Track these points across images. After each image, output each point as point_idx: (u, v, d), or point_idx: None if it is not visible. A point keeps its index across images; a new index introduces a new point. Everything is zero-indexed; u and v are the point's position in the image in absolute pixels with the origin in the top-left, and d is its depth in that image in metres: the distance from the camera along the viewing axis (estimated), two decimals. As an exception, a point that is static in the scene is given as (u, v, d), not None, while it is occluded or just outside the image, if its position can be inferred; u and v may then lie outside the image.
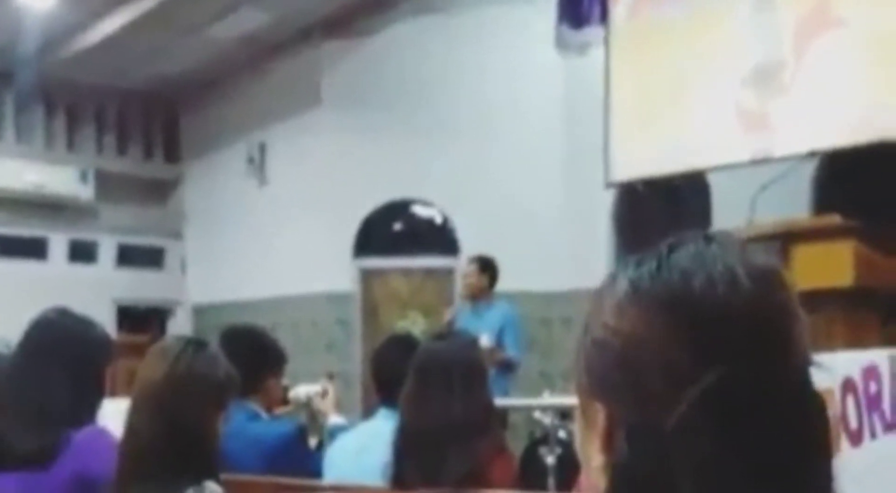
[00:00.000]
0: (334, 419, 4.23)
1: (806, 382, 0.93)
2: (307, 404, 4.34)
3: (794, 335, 0.93)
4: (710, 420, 0.88)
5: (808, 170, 7.69)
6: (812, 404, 0.92)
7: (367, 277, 10.71)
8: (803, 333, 0.94)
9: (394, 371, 3.43)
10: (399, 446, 3.16)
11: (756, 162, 7.11)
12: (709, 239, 0.96)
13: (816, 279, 4.59)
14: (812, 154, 7.15)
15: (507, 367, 7.52)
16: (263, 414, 3.80)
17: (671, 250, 0.96)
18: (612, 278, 0.98)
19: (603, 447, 0.95)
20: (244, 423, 3.53)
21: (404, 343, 3.80)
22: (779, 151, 7.04)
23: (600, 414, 0.96)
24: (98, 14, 9.80)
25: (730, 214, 7.15)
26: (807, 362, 0.93)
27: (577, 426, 1.03)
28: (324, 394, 4.33)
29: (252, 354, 3.68)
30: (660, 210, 8.65)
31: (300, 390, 4.34)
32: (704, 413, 0.88)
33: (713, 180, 8.32)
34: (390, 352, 3.75)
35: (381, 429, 3.42)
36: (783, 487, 0.89)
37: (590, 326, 0.98)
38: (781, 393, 0.90)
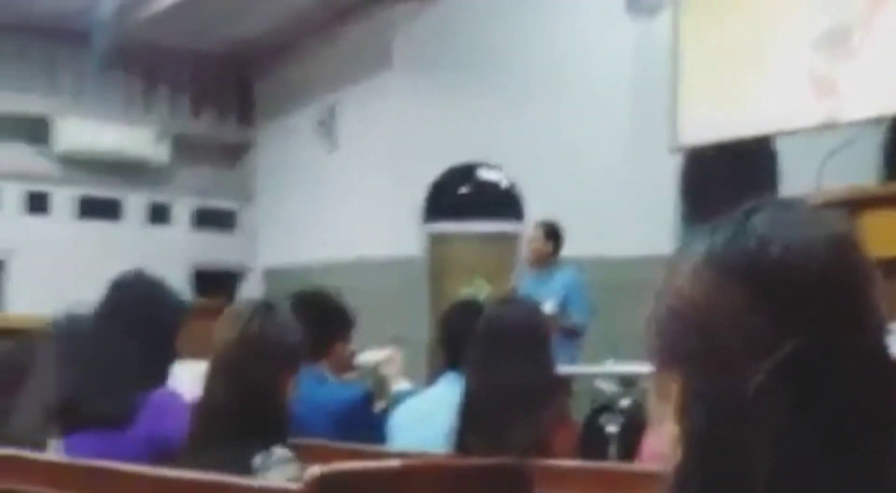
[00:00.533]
0: (400, 385, 4.22)
1: (882, 349, 0.92)
2: (374, 370, 4.36)
3: (870, 302, 0.92)
4: (787, 389, 0.88)
5: (877, 137, 7.61)
6: (888, 372, 0.91)
7: (433, 241, 10.72)
8: (880, 298, 0.93)
9: (460, 336, 3.44)
10: (464, 412, 3.16)
11: (824, 127, 7.05)
12: (785, 205, 0.96)
13: (884, 247, 4.58)
14: (880, 119, 7.07)
15: (573, 333, 7.43)
16: (331, 378, 3.77)
17: (747, 216, 0.95)
18: (687, 246, 0.98)
19: (677, 414, 0.95)
20: (312, 387, 3.39)
21: (471, 308, 3.80)
22: (847, 117, 6.96)
23: (674, 383, 0.95)
24: (175, -23, 9.94)
25: (797, 180, 7.09)
26: (882, 329, 0.93)
27: (650, 397, 1.02)
28: (391, 360, 4.36)
29: (321, 318, 3.64)
30: (726, 175, 8.60)
31: (367, 356, 4.33)
32: (782, 382, 0.88)
33: (781, 146, 8.25)
34: (457, 317, 3.76)
35: (445, 394, 3.42)
36: (860, 456, 0.89)
37: (664, 293, 0.97)
38: (858, 361, 0.90)
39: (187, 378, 2.90)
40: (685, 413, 0.94)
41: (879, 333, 0.93)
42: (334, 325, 3.87)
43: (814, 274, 0.90)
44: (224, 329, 2.64)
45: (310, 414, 3.29)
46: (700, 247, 0.95)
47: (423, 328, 9.23)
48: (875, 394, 0.90)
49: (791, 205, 0.97)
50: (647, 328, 0.99)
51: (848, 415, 0.89)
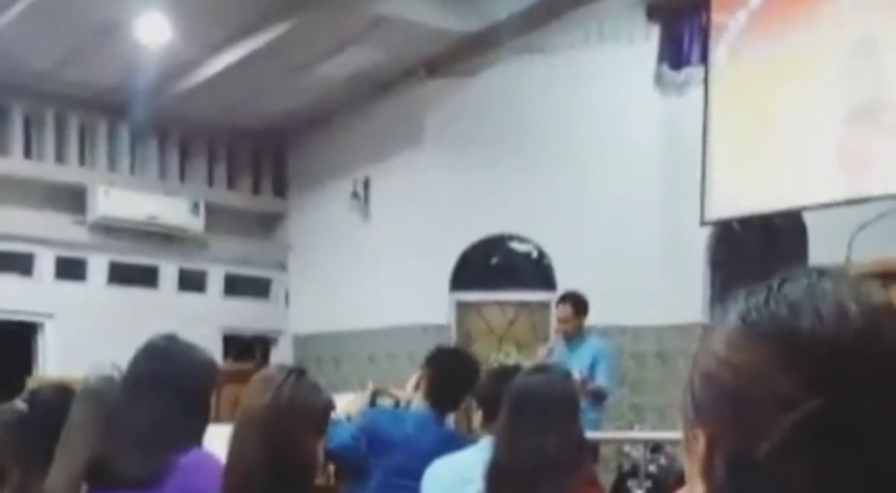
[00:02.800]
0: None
1: None
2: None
3: None
4: (807, 449, 0.88)
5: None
6: None
7: (463, 309, 10.83)
8: None
9: (497, 401, 3.43)
10: (491, 480, 3.16)
11: (854, 201, 7.04)
12: (821, 273, 0.96)
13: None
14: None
15: (598, 397, 7.54)
16: None
17: (782, 283, 0.96)
18: (724, 312, 0.99)
19: (703, 473, 0.96)
20: None
21: (508, 374, 3.80)
22: (877, 191, 6.98)
23: (701, 442, 0.96)
24: (211, 51, 10.04)
25: (827, 253, 7.07)
26: None
27: (684, 457, 1.03)
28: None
29: None
30: (756, 249, 8.62)
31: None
32: (802, 441, 0.88)
33: (810, 220, 8.24)
34: (494, 382, 3.79)
35: (479, 458, 3.39)
36: None
37: (699, 358, 0.99)
38: (888, 428, 0.89)
39: (219, 440, 2.91)
40: (710, 472, 0.95)
41: None
42: None
43: (844, 341, 0.90)
44: (254, 394, 2.67)
45: None
46: (734, 312, 0.97)
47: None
48: None
49: (827, 273, 0.96)
50: (683, 392, 1.01)
51: (873, 481, 0.89)
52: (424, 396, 4.29)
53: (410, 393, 4.39)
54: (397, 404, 6.00)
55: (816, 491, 0.89)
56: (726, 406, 0.94)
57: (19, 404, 3.50)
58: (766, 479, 0.90)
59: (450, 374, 4.34)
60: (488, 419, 3.71)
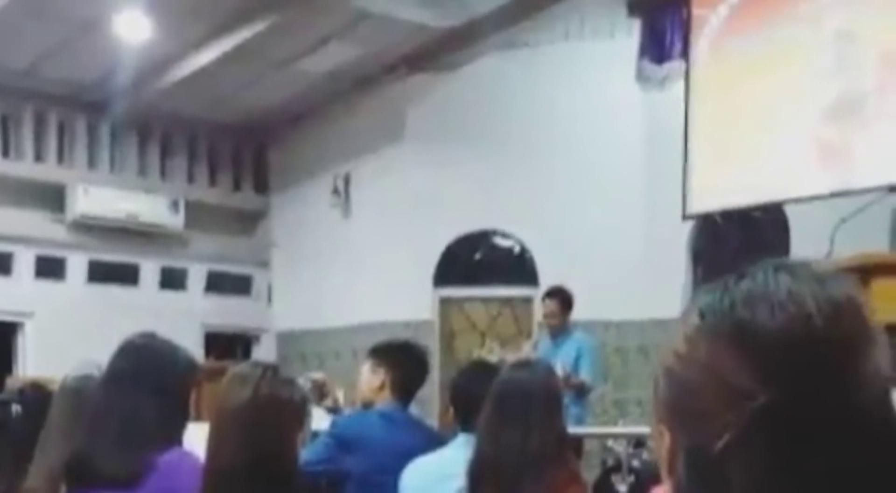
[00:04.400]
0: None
1: (880, 410, 0.91)
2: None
3: (862, 364, 0.91)
4: (761, 443, 0.89)
5: (889, 204, 7.63)
6: (883, 433, 0.91)
7: (446, 305, 10.84)
8: (878, 362, 0.92)
9: (473, 397, 3.45)
10: (474, 474, 3.17)
11: (835, 195, 7.06)
12: (778, 268, 0.96)
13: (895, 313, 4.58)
14: (893, 188, 7.10)
15: (581, 391, 7.58)
16: None
17: (739, 278, 0.96)
18: (690, 306, 0.99)
19: (667, 470, 0.98)
20: None
21: (483, 370, 3.82)
22: (859, 184, 6.98)
23: (665, 437, 0.98)
24: (191, 47, 10.01)
25: (808, 247, 7.09)
26: (883, 391, 0.92)
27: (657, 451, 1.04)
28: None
29: None
30: (737, 242, 8.65)
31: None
32: (756, 436, 0.89)
33: (792, 213, 8.28)
34: (471, 378, 3.77)
35: (458, 456, 3.41)
36: None
37: (662, 355, 1.00)
38: (843, 420, 0.89)
39: (199, 438, 2.90)
40: (673, 467, 0.97)
41: (877, 393, 0.92)
42: None
43: (798, 335, 0.90)
44: (231, 391, 2.67)
45: None
46: (695, 309, 0.97)
47: (433, 390, 9.27)
48: (864, 455, 0.89)
49: (786, 267, 0.96)
50: (653, 387, 1.01)
51: (828, 474, 0.89)
52: (393, 394, 4.27)
53: (371, 394, 4.37)
54: (335, 409, 6.07)
55: (772, 485, 0.89)
56: (684, 402, 0.95)
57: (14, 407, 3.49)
58: (723, 474, 0.90)
59: (413, 369, 4.35)
60: (460, 417, 3.70)
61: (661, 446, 0.99)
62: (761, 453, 0.89)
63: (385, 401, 4.29)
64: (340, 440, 4.17)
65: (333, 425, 4.35)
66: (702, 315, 0.96)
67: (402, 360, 4.35)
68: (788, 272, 0.95)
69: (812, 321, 0.90)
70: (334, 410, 6.02)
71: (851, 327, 0.92)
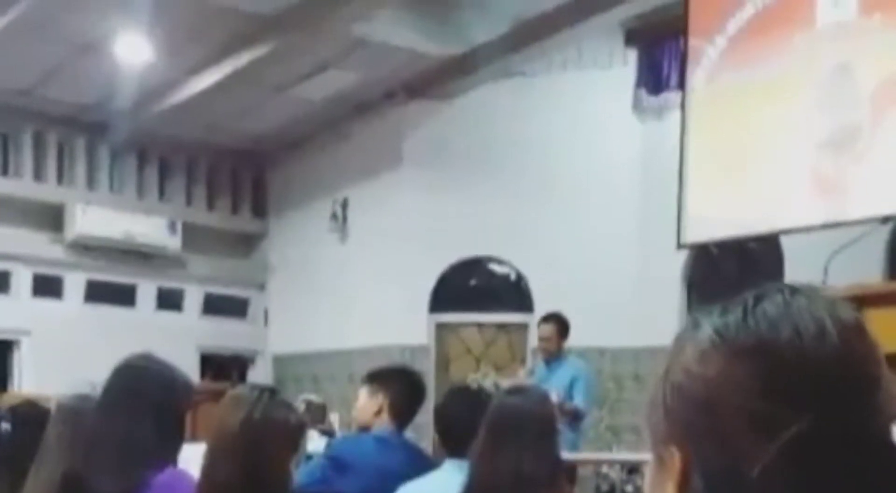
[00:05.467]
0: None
1: (890, 436, 0.92)
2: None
3: (881, 388, 0.91)
4: (795, 470, 0.88)
5: (883, 235, 7.66)
6: (892, 459, 0.91)
7: (441, 331, 10.86)
8: (890, 386, 0.92)
9: (460, 423, 3.48)
10: (468, 498, 3.17)
11: (829, 226, 7.06)
12: (794, 291, 0.95)
13: (889, 343, 4.59)
14: (886, 219, 7.13)
15: (575, 417, 7.58)
16: None
17: (757, 299, 0.95)
18: (695, 325, 0.97)
19: (677, 490, 0.95)
20: None
21: (470, 395, 3.86)
22: (852, 215, 7.00)
23: (676, 458, 0.95)
24: (191, 71, 10.05)
25: (802, 277, 7.05)
26: (892, 417, 0.92)
27: (648, 473, 1.02)
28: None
29: None
30: (732, 272, 8.67)
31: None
32: (790, 462, 0.88)
33: (786, 244, 8.30)
34: (456, 404, 3.78)
35: (449, 481, 3.41)
36: None
37: (670, 370, 0.97)
38: (867, 447, 0.89)
39: (195, 459, 2.91)
40: (686, 489, 0.95)
41: (889, 418, 0.92)
42: None
43: (824, 358, 0.90)
44: (226, 412, 2.70)
45: None
46: (708, 327, 0.95)
47: (427, 415, 9.29)
48: (883, 480, 0.90)
49: (800, 290, 0.95)
50: (649, 404, 1.00)
51: None
52: (389, 418, 4.29)
53: (368, 419, 4.38)
54: (330, 432, 6.15)
55: None
56: (704, 422, 0.93)
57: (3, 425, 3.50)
58: None
59: (410, 394, 4.37)
60: (447, 443, 3.72)
61: (666, 466, 0.97)
62: (793, 480, 0.89)
63: (382, 425, 4.31)
64: (335, 462, 4.18)
65: (329, 446, 4.37)
66: (721, 335, 0.94)
67: (399, 385, 4.36)
68: (804, 295, 0.95)
69: (835, 346, 0.91)
70: (329, 432, 6.03)
71: (869, 353, 0.93)
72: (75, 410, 3.18)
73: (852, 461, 0.89)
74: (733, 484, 0.90)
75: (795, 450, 0.88)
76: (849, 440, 0.89)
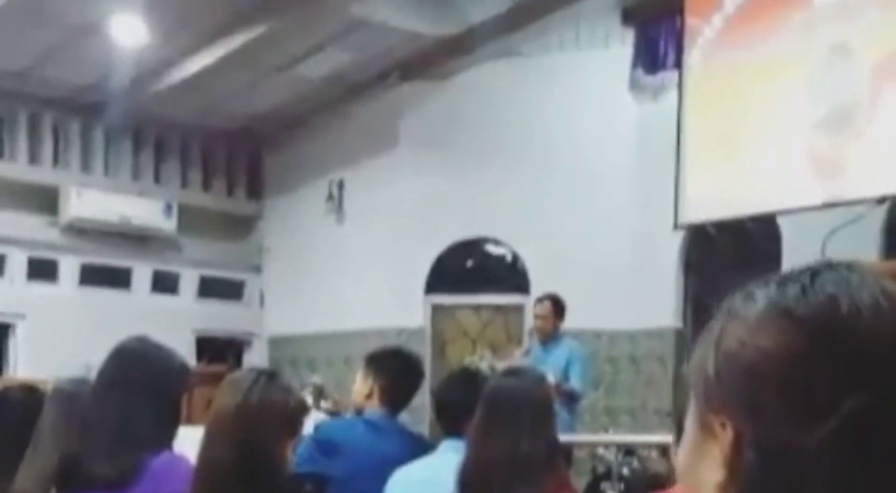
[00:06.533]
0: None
1: None
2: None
3: None
4: (852, 445, 0.88)
5: (880, 215, 7.65)
6: None
7: (437, 312, 10.87)
8: None
9: (457, 404, 3.49)
10: (464, 479, 3.16)
11: (827, 206, 7.09)
12: (850, 267, 0.96)
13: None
14: (883, 200, 7.13)
15: (571, 398, 7.60)
16: None
17: (814, 274, 0.96)
18: (748, 297, 0.98)
19: (726, 462, 0.94)
20: None
21: (468, 377, 3.86)
22: (850, 196, 7.01)
23: (727, 428, 0.95)
24: (187, 52, 10.02)
25: (800, 257, 7.07)
26: None
27: (686, 438, 1.01)
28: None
29: None
30: (729, 253, 8.66)
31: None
32: (847, 438, 0.88)
33: (783, 224, 8.30)
34: (454, 385, 3.79)
35: (445, 461, 3.41)
36: None
37: (722, 339, 0.97)
38: None
39: (192, 442, 2.91)
40: (737, 461, 0.94)
41: None
42: None
43: (882, 333, 0.91)
44: (224, 396, 2.69)
45: None
46: (764, 298, 0.96)
47: (424, 397, 9.29)
48: None
49: (852, 267, 0.96)
50: (696, 372, 0.99)
51: None
52: (380, 402, 4.27)
53: (361, 401, 4.37)
54: (335, 413, 6.13)
55: (862, 486, 0.89)
56: (758, 393, 0.92)
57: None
58: (811, 470, 0.89)
59: (402, 377, 4.34)
60: (444, 424, 3.72)
61: (714, 436, 0.96)
62: (849, 455, 0.89)
63: (373, 409, 4.30)
64: (321, 444, 4.16)
65: (316, 429, 4.36)
66: (777, 306, 0.94)
67: (390, 369, 4.34)
68: (857, 273, 0.95)
69: (891, 322, 0.92)
70: (335, 413, 6.05)
71: None
72: (71, 394, 3.17)
73: None
74: (789, 458, 0.90)
75: (853, 425, 0.88)
76: None
